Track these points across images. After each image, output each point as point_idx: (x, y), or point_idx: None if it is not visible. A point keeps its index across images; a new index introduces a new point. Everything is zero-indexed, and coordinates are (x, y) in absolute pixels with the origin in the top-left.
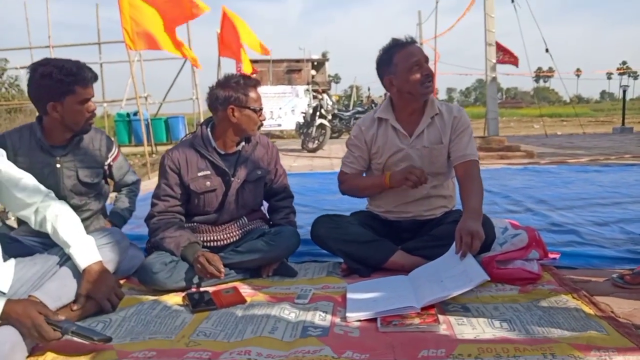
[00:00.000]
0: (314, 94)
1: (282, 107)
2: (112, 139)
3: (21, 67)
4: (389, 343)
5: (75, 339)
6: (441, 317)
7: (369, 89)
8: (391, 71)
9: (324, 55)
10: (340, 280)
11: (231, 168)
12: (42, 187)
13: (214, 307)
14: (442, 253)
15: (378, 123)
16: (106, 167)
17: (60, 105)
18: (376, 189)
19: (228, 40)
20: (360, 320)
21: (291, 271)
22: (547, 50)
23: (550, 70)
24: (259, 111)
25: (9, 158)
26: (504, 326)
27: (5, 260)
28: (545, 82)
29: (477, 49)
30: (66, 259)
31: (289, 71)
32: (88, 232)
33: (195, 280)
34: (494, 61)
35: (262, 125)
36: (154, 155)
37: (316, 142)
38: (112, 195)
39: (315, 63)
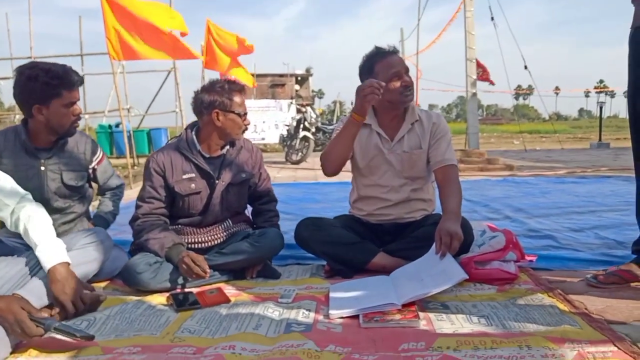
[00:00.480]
0: (298, 107)
1: (265, 121)
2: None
3: (1, 78)
4: (371, 337)
5: (58, 336)
6: (421, 314)
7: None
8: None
9: (307, 70)
10: (323, 281)
11: (216, 171)
12: (20, 189)
13: (199, 307)
14: (423, 254)
15: (362, 128)
16: (90, 171)
17: (45, 108)
18: (348, 129)
19: (212, 52)
20: (342, 317)
21: (275, 273)
22: (525, 67)
23: (530, 88)
24: (243, 115)
25: None
26: (482, 322)
27: None
28: (524, 99)
29: (458, 66)
30: None
31: (273, 85)
32: (72, 234)
33: (180, 281)
34: (475, 77)
35: (246, 129)
36: (135, 167)
37: (300, 154)
38: (95, 203)
39: (299, 78)
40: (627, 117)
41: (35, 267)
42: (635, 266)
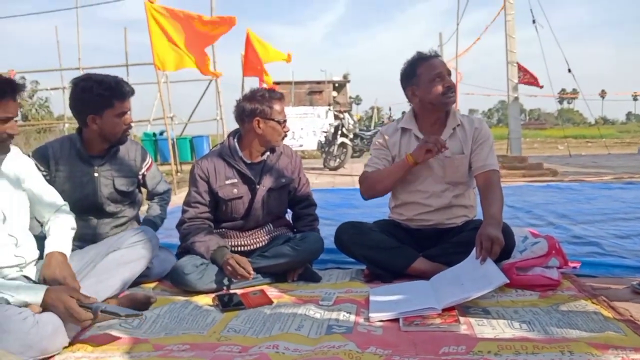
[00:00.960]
0: (336, 113)
1: (303, 128)
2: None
3: (52, 89)
4: (411, 340)
5: (107, 316)
6: (462, 319)
7: (390, 110)
8: (414, 82)
9: (345, 76)
10: (363, 284)
11: (257, 176)
12: (58, 201)
13: (243, 307)
14: (463, 260)
15: (402, 133)
16: (140, 177)
17: (99, 118)
18: (399, 170)
19: (252, 60)
20: (382, 321)
21: (316, 276)
22: (569, 71)
23: (574, 91)
24: (283, 123)
25: (50, 166)
26: (523, 327)
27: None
28: (569, 103)
29: (499, 70)
30: (101, 257)
31: (311, 92)
32: (120, 234)
33: (225, 282)
34: (516, 81)
35: (286, 136)
36: (179, 174)
37: (338, 160)
38: (144, 208)
39: (337, 84)
40: None
41: (87, 266)
42: None
